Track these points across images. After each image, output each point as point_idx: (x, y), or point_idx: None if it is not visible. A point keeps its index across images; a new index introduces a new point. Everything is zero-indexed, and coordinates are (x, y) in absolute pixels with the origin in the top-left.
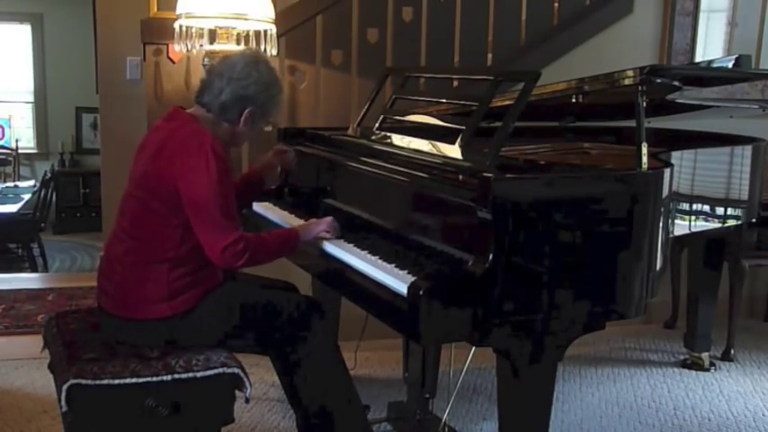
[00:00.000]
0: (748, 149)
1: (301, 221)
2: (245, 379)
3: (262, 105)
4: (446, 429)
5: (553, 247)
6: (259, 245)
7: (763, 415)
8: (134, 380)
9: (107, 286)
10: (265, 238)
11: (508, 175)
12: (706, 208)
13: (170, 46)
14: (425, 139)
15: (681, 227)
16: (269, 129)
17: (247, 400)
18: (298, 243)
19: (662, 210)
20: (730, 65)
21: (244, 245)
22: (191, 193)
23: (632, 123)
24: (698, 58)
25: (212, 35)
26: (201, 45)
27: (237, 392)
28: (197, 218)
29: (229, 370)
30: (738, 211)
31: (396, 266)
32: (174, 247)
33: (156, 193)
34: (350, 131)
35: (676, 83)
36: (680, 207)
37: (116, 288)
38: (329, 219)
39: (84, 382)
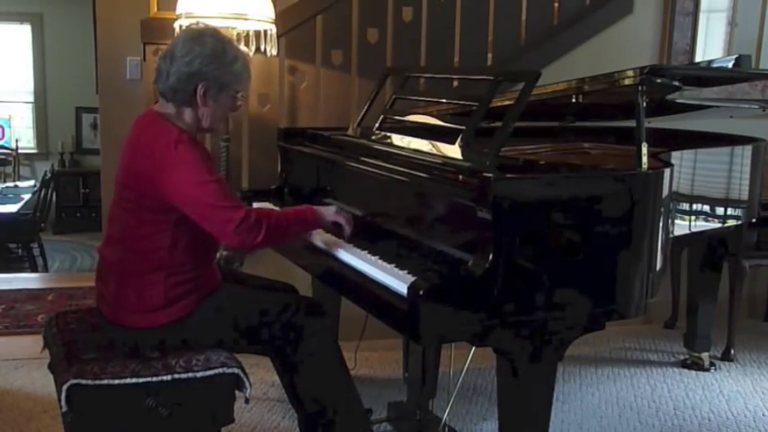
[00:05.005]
0: (748, 149)
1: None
2: (245, 379)
3: (214, 78)
4: (446, 429)
5: (553, 248)
6: (274, 218)
7: (763, 415)
8: (134, 380)
9: (104, 291)
10: (279, 212)
11: (508, 175)
12: (706, 208)
13: None
14: (425, 139)
15: (681, 227)
16: (240, 104)
17: (247, 401)
18: (315, 219)
19: (662, 210)
20: (730, 65)
21: (255, 218)
22: (179, 193)
23: (632, 123)
24: (698, 58)
25: None
26: None
27: (237, 392)
28: (197, 214)
29: (229, 370)
30: (738, 211)
31: (396, 266)
32: (165, 251)
33: (137, 197)
34: (350, 131)
35: (676, 83)
36: (680, 207)
37: (112, 296)
38: (348, 215)
39: (84, 382)
